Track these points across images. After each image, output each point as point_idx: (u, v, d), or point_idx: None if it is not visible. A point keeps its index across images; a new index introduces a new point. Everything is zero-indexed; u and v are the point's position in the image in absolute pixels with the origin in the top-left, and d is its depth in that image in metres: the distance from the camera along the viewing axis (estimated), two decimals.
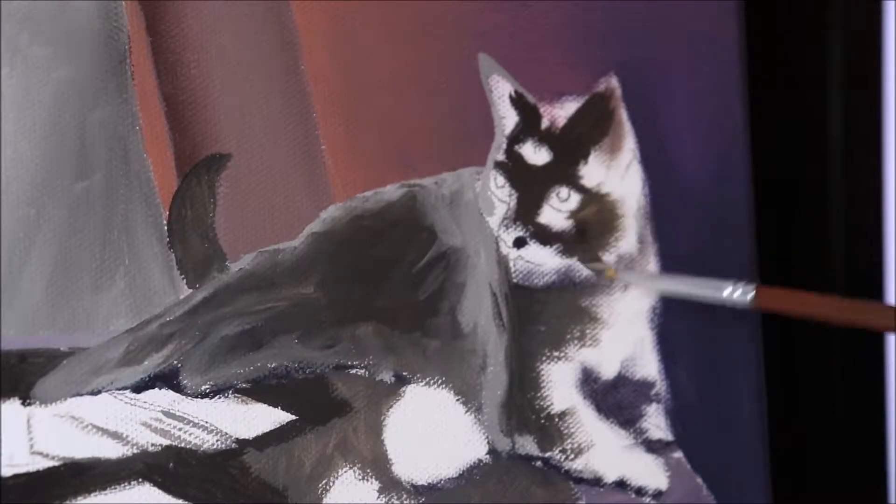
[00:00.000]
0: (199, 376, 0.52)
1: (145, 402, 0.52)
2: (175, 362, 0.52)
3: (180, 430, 0.52)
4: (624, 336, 0.58)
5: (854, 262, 0.63)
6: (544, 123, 0.56)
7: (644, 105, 0.58)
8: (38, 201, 0.50)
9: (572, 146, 0.56)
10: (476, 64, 0.56)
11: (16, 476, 0.49)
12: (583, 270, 0.57)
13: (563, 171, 0.56)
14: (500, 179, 0.56)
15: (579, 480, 0.57)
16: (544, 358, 0.57)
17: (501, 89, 0.56)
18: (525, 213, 0.55)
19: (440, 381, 0.55)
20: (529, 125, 0.56)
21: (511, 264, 0.56)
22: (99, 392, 0.51)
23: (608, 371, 0.58)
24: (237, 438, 0.52)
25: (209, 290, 0.54)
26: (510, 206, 0.56)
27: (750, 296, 0.53)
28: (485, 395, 0.56)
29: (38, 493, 0.49)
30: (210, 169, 0.54)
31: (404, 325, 0.55)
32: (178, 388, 0.52)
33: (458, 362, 0.55)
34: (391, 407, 0.55)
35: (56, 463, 0.50)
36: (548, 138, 0.56)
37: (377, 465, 0.54)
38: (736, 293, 0.54)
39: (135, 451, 0.51)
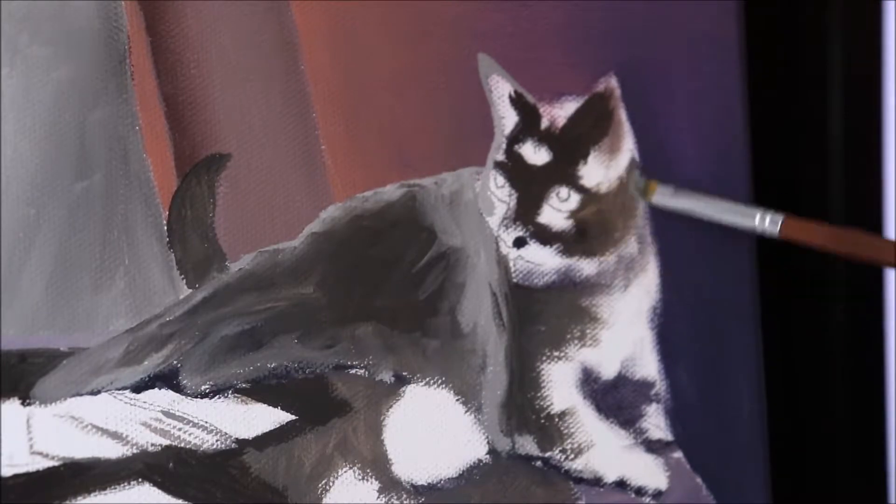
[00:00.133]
0: (198, 376, 0.52)
1: (145, 402, 0.52)
2: (175, 362, 0.52)
3: (180, 430, 0.52)
4: (624, 336, 0.58)
5: (854, 261, 0.63)
6: (544, 123, 0.56)
7: (644, 105, 0.58)
8: (38, 201, 0.50)
9: (572, 146, 0.56)
10: (476, 64, 0.56)
11: (16, 476, 0.49)
12: (583, 270, 0.57)
13: (563, 171, 0.56)
14: (500, 179, 0.56)
15: (579, 480, 0.57)
16: (544, 358, 0.57)
17: (501, 89, 0.56)
18: (525, 212, 0.55)
19: (440, 381, 0.55)
20: (529, 125, 0.56)
21: (511, 264, 0.56)
22: (99, 392, 0.51)
23: (608, 371, 0.58)
24: (237, 438, 0.52)
25: (209, 290, 0.54)
26: (510, 206, 0.56)
27: (778, 225, 0.54)
28: (485, 395, 0.56)
29: (38, 493, 0.49)
30: (210, 169, 0.54)
31: (404, 325, 0.55)
32: (177, 388, 0.52)
33: (457, 362, 0.55)
34: (391, 407, 0.55)
35: (56, 463, 0.50)
36: (547, 138, 0.56)
37: (377, 465, 0.54)
38: (765, 223, 0.55)
39: (135, 451, 0.51)
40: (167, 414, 0.52)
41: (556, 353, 0.57)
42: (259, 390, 0.53)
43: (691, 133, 0.60)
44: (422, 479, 0.55)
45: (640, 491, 0.58)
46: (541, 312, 0.57)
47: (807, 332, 0.64)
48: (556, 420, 0.57)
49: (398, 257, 0.55)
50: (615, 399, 0.58)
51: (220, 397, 0.52)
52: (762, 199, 0.61)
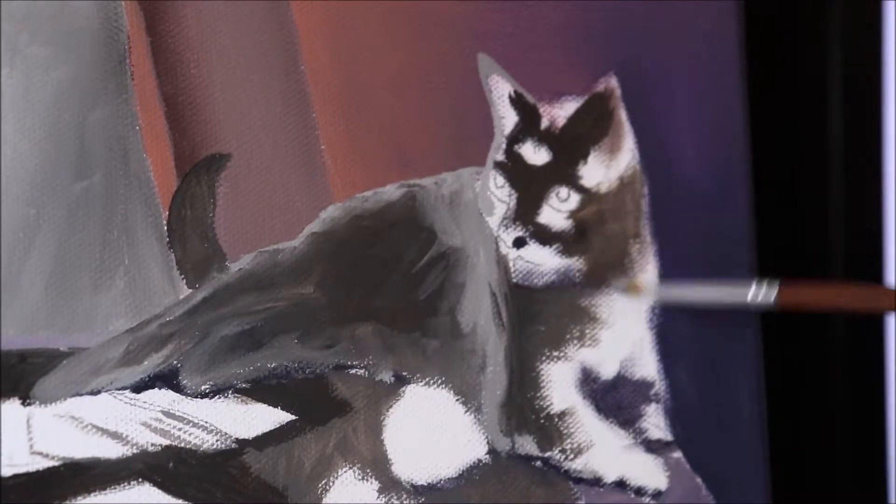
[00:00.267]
0: (198, 376, 0.52)
1: (145, 402, 0.52)
2: (175, 362, 0.52)
3: (180, 430, 0.52)
4: (623, 336, 0.58)
5: (854, 261, 0.63)
6: (544, 123, 0.56)
7: (644, 105, 0.58)
8: (38, 201, 0.50)
9: (572, 146, 0.56)
10: (476, 64, 0.56)
11: (16, 476, 0.49)
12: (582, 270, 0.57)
13: (563, 171, 0.56)
14: (500, 179, 0.56)
15: (579, 480, 0.57)
16: (544, 358, 0.57)
17: (501, 89, 0.56)
18: (525, 212, 0.55)
19: (440, 381, 0.55)
20: (529, 125, 0.56)
21: (511, 264, 0.56)
22: (99, 392, 0.51)
23: (608, 371, 0.58)
24: (237, 438, 0.52)
25: (209, 290, 0.54)
26: (510, 206, 0.56)
27: (773, 296, 0.52)
28: (484, 395, 0.56)
29: (38, 493, 0.49)
30: (210, 169, 0.54)
31: (404, 325, 0.55)
32: (177, 388, 0.52)
33: (457, 362, 0.55)
34: (391, 407, 0.55)
35: (56, 463, 0.50)
36: (547, 138, 0.56)
37: (377, 465, 0.54)
38: (760, 295, 0.53)
39: (135, 451, 0.51)
40: (167, 414, 0.52)
41: (555, 353, 0.57)
42: (259, 390, 0.53)
43: (691, 133, 0.60)
44: (422, 478, 0.55)
45: (639, 491, 0.58)
46: (540, 312, 0.57)
47: (807, 332, 0.64)
48: (556, 420, 0.57)
49: (398, 257, 0.55)
50: (615, 399, 0.58)
51: (220, 397, 0.52)
52: (762, 198, 0.61)
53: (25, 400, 0.50)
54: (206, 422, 0.52)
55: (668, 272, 0.59)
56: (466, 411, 0.56)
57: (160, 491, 0.51)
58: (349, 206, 0.55)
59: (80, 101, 0.51)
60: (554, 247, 0.56)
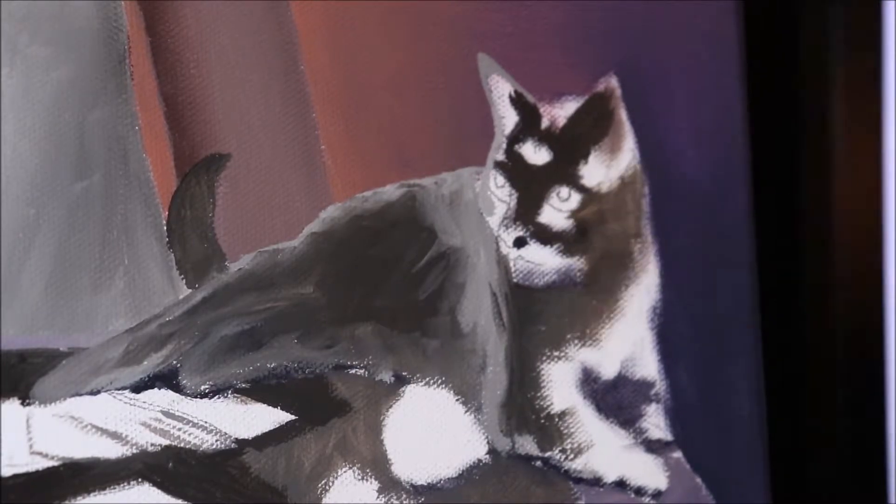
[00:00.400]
0: (198, 376, 0.52)
1: (145, 402, 0.52)
2: (174, 362, 0.52)
3: (180, 430, 0.52)
4: (624, 336, 0.58)
5: (854, 261, 0.63)
6: (544, 123, 0.56)
7: (643, 105, 0.58)
8: (38, 201, 0.50)
9: (572, 146, 0.56)
10: (476, 64, 0.56)
11: (16, 476, 0.49)
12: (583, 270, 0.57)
13: (564, 170, 0.56)
14: (500, 179, 0.56)
15: (579, 480, 0.57)
16: (544, 358, 0.57)
17: (501, 89, 0.56)
18: (525, 212, 0.55)
19: (440, 381, 0.55)
20: (529, 125, 0.56)
21: (511, 264, 0.56)
22: (98, 392, 0.51)
23: (608, 371, 0.58)
24: (237, 438, 0.52)
25: (209, 291, 0.53)
26: (510, 205, 0.56)
27: None
28: (484, 395, 0.56)
29: (38, 493, 0.49)
30: (210, 169, 0.54)
31: (404, 325, 0.55)
32: (177, 388, 0.52)
33: (457, 362, 0.55)
34: (391, 407, 0.55)
35: (56, 463, 0.50)
36: (548, 138, 0.56)
37: (377, 465, 0.54)
38: None
39: (134, 451, 0.51)
40: (167, 414, 0.52)
41: (556, 353, 0.57)
42: (259, 390, 0.53)
43: (691, 133, 0.60)
44: (421, 478, 0.55)
45: (639, 491, 0.58)
46: (541, 312, 0.57)
47: (807, 332, 0.64)
48: (556, 420, 0.57)
49: (398, 257, 0.55)
50: (615, 399, 0.58)
51: (219, 397, 0.52)
52: (762, 198, 0.61)
53: (25, 400, 0.50)
54: (206, 422, 0.52)
55: (668, 272, 0.59)
56: (466, 411, 0.56)
57: (160, 491, 0.51)
58: (349, 206, 0.55)
59: (80, 101, 0.51)
60: (555, 246, 0.56)
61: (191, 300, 0.53)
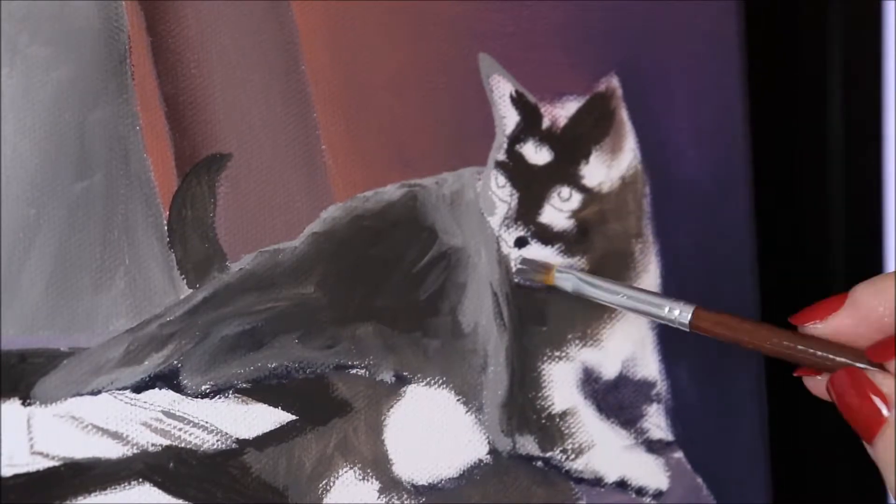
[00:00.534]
0: (199, 376, 0.52)
1: (145, 402, 0.51)
2: (175, 362, 0.52)
3: (180, 430, 0.52)
4: (625, 335, 0.58)
5: (854, 261, 0.63)
6: (545, 123, 0.56)
7: (643, 105, 0.58)
8: (38, 201, 0.50)
9: (573, 146, 0.56)
10: (476, 64, 0.56)
11: (16, 476, 0.49)
12: (584, 269, 0.57)
13: (565, 170, 0.56)
14: (501, 179, 0.56)
15: (580, 480, 0.57)
16: (545, 358, 0.57)
17: (502, 89, 0.56)
18: (526, 212, 0.55)
19: (441, 381, 0.55)
20: (530, 125, 0.56)
21: (512, 264, 0.56)
22: (99, 392, 0.51)
23: (609, 371, 0.58)
24: (237, 438, 0.52)
25: (209, 290, 0.53)
26: (511, 205, 0.56)
27: (688, 317, 0.51)
28: (486, 395, 0.56)
29: (38, 493, 0.49)
30: (210, 169, 0.54)
31: (405, 325, 0.55)
32: (178, 388, 0.52)
33: (458, 362, 0.55)
34: (392, 407, 0.55)
35: (56, 463, 0.50)
36: (549, 138, 0.56)
37: (377, 465, 0.54)
38: (675, 313, 0.51)
39: (135, 451, 0.51)
40: (167, 414, 0.51)
41: (557, 353, 0.57)
42: (259, 390, 0.53)
43: (691, 133, 0.60)
44: (422, 479, 0.55)
45: (640, 491, 0.58)
46: (542, 312, 0.57)
47: None
48: (557, 420, 0.57)
49: (399, 257, 0.55)
50: (616, 399, 0.58)
51: (220, 397, 0.52)
52: (762, 198, 0.61)
53: (25, 400, 0.50)
54: (207, 422, 0.52)
55: (668, 271, 0.59)
56: (467, 411, 0.56)
57: (160, 491, 0.51)
58: (350, 205, 0.55)
59: (81, 101, 0.51)
60: (556, 246, 0.56)
61: (192, 300, 0.53)
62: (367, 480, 0.54)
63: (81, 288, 0.51)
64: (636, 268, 0.58)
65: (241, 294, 0.54)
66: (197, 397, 0.52)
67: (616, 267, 0.58)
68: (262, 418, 0.53)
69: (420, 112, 0.56)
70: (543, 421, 0.57)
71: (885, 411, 0.43)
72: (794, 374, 0.48)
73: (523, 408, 0.56)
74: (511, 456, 0.56)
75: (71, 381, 0.51)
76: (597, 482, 0.57)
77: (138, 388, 0.52)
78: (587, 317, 0.57)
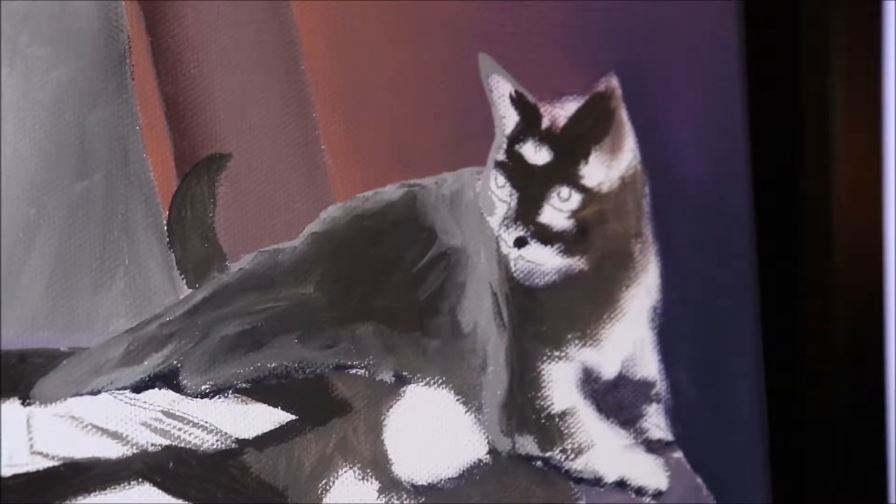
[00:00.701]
0: (199, 376, 0.52)
1: (145, 402, 0.52)
2: (175, 362, 0.52)
3: (180, 430, 0.52)
4: (625, 336, 0.58)
5: (854, 261, 0.63)
6: (545, 123, 0.56)
7: (644, 105, 0.58)
8: (39, 201, 0.50)
9: (573, 146, 0.56)
10: (476, 64, 0.56)
11: (16, 476, 0.49)
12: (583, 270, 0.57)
13: (564, 170, 0.56)
14: (501, 179, 0.56)
15: (579, 480, 0.57)
16: (545, 357, 0.57)
17: (502, 89, 0.56)
18: (526, 212, 0.55)
19: (440, 381, 0.55)
20: (530, 125, 0.56)
21: (512, 264, 0.56)
22: (99, 392, 0.51)
23: (609, 371, 0.58)
24: (237, 438, 0.52)
25: (209, 290, 0.53)
26: (511, 205, 0.56)
27: None
28: (485, 395, 0.56)
29: (38, 493, 0.49)
30: (210, 169, 0.54)
31: (404, 325, 0.55)
32: (178, 388, 0.52)
33: (458, 362, 0.55)
34: (391, 407, 0.55)
35: (56, 463, 0.50)
36: (548, 138, 0.56)
37: (377, 465, 0.54)
38: None
39: (135, 451, 0.51)
40: (167, 414, 0.52)
41: (556, 353, 0.57)
42: (259, 390, 0.53)
43: (691, 133, 0.60)
44: (422, 478, 0.55)
45: (640, 491, 0.58)
46: (541, 312, 0.57)
47: (807, 332, 0.64)
48: (557, 420, 0.57)
49: (399, 257, 0.55)
50: (615, 399, 0.58)
51: (220, 397, 0.52)
52: (762, 198, 0.61)
53: (25, 400, 0.50)
54: (207, 422, 0.52)
55: (669, 272, 0.59)
56: (467, 411, 0.56)
57: (160, 491, 0.51)
58: (350, 205, 0.55)
59: (81, 101, 0.51)
60: (555, 246, 0.56)
61: (191, 300, 0.53)
62: (367, 480, 0.54)
63: (81, 288, 0.51)
64: (636, 268, 0.58)
65: (240, 294, 0.54)
66: (197, 397, 0.52)
67: (616, 267, 0.58)
68: (261, 418, 0.53)
69: (420, 112, 0.56)
70: (543, 421, 0.57)
71: None
72: None
73: (523, 408, 0.56)
74: (510, 456, 0.56)
75: (71, 381, 0.51)
76: (596, 482, 0.57)
77: (138, 387, 0.52)
78: (587, 317, 0.57)
